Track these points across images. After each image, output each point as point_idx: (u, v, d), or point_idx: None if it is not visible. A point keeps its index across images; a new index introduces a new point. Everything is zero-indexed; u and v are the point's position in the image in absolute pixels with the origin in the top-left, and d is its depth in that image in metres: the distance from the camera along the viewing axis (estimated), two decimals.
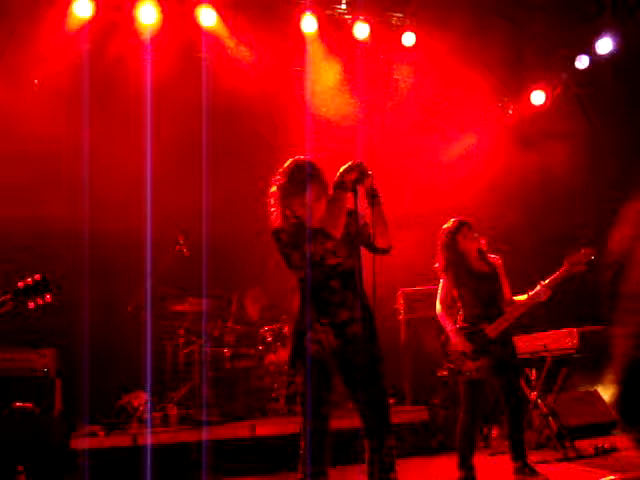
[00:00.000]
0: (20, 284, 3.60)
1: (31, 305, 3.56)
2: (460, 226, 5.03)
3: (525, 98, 8.34)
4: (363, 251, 3.59)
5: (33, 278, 3.62)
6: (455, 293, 5.00)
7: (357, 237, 3.49)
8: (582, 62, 7.94)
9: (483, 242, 5.10)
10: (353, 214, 3.48)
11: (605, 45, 7.73)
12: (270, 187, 3.60)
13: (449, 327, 4.97)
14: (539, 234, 7.98)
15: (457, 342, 4.90)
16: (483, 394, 4.91)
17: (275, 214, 3.58)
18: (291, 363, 3.50)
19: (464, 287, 4.97)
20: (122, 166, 6.98)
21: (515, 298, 4.98)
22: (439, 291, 5.11)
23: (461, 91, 7.77)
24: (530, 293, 4.89)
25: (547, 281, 4.85)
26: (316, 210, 3.50)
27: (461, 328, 4.93)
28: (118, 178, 7.05)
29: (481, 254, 5.03)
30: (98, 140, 6.85)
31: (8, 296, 3.55)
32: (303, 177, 3.49)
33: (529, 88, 8.27)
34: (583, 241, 4.87)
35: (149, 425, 6.05)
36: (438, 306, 5.07)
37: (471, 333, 4.89)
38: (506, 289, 5.04)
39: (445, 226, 5.11)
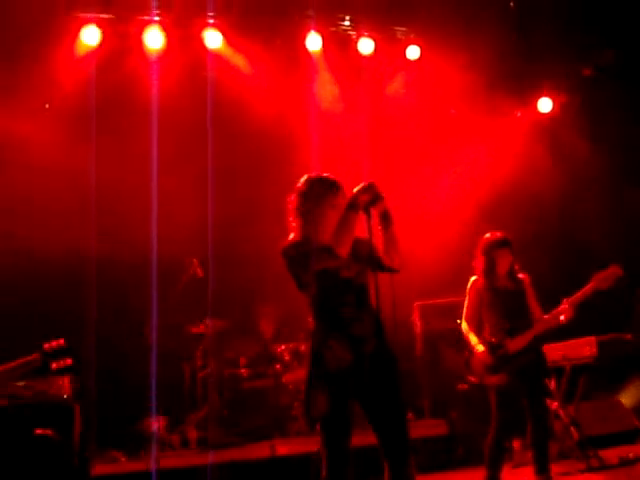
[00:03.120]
0: (46, 346, 3.91)
1: (54, 366, 3.89)
2: (503, 244, 5.03)
3: (533, 106, 8.39)
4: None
5: (57, 342, 3.93)
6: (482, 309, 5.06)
7: (369, 259, 3.52)
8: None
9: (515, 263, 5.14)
10: (365, 240, 3.51)
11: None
12: (288, 204, 3.67)
13: (473, 340, 4.99)
14: (554, 248, 7.98)
15: (479, 354, 4.93)
16: (514, 406, 4.91)
17: (292, 230, 3.63)
18: (309, 381, 3.47)
19: (487, 303, 5.03)
20: (129, 188, 7.02)
21: (545, 317, 5.00)
22: (465, 307, 5.12)
23: (468, 101, 7.81)
24: (553, 311, 4.93)
25: (572, 299, 4.87)
26: (331, 225, 3.52)
27: (484, 342, 4.98)
28: (125, 200, 7.08)
29: (511, 273, 5.06)
30: (105, 163, 6.89)
31: (37, 355, 3.88)
32: (318, 191, 3.55)
33: (536, 96, 8.33)
34: (602, 254, 5.00)
35: (153, 449, 6.08)
36: (464, 323, 5.09)
37: (493, 347, 4.94)
38: (535, 307, 5.06)
39: (488, 236, 5.09)
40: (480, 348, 4.93)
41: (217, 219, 6.92)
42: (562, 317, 4.84)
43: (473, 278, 5.10)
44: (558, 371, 6.34)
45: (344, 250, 3.38)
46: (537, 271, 5.24)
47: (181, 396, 6.80)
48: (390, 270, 3.57)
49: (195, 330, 6.94)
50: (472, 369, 5.05)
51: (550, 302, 5.01)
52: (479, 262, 5.08)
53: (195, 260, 6.83)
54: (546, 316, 4.92)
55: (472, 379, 5.10)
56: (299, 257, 3.45)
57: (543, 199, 8.02)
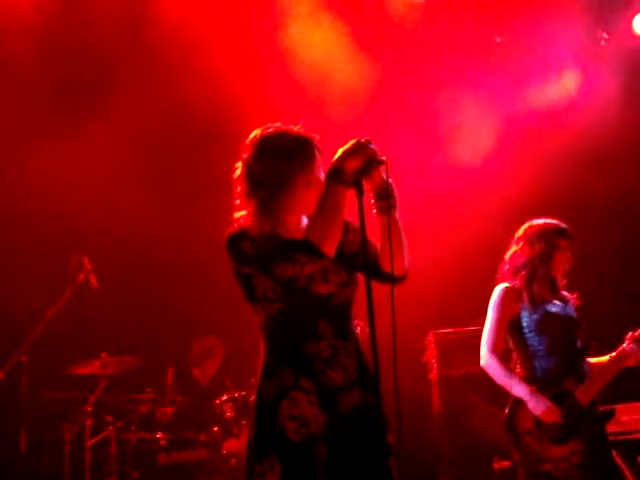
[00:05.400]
0: None
1: None
2: (568, 236, 4.30)
3: (625, 24, 6.64)
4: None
5: None
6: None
7: (356, 258, 3.00)
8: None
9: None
10: (348, 224, 3.01)
11: None
12: (234, 171, 3.07)
13: (520, 387, 4.08)
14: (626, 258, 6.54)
15: (540, 409, 4.01)
16: None
17: (239, 212, 3.06)
18: (256, 453, 2.83)
19: (535, 325, 4.18)
20: None
21: (592, 360, 4.29)
22: (488, 332, 4.24)
23: (522, 21, 6.25)
24: (614, 353, 4.23)
25: (638, 333, 4.23)
26: (304, 206, 3.01)
27: (543, 387, 4.08)
28: None
29: (556, 286, 4.33)
30: None
31: None
32: (280, 160, 2.96)
33: (631, 10, 6.59)
34: None
35: None
36: (489, 356, 4.22)
37: (557, 397, 4.03)
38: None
39: (544, 223, 4.34)
40: (537, 398, 4.07)
41: (126, 200, 5.85)
42: (631, 359, 4.18)
43: (503, 285, 4.27)
44: None
45: (331, 244, 2.85)
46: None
47: (59, 477, 5.41)
48: (386, 278, 3.00)
49: (83, 371, 5.64)
50: (520, 436, 4.10)
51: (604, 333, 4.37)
52: (526, 253, 4.23)
53: (86, 260, 5.46)
54: (610, 357, 4.25)
55: (527, 452, 4.08)
56: (257, 255, 2.90)
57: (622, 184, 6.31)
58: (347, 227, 2.99)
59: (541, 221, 4.30)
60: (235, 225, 3.01)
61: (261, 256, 2.90)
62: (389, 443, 2.88)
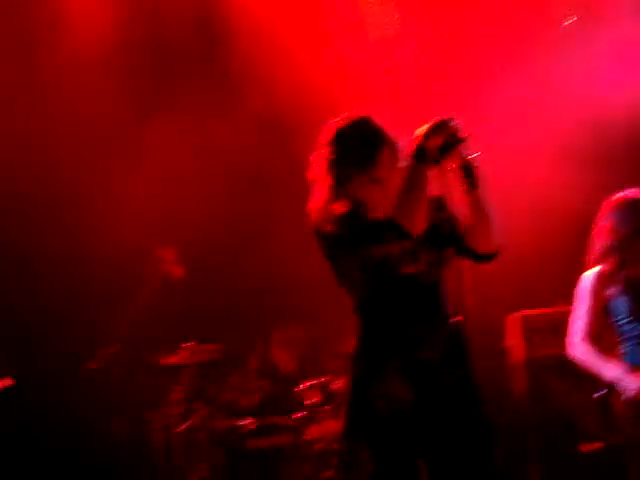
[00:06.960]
0: None
1: None
2: None
3: None
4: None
5: None
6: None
7: (446, 236, 3.03)
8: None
9: None
10: (439, 200, 3.05)
11: None
12: (314, 161, 3.08)
13: (611, 369, 3.89)
14: None
15: (631, 387, 3.82)
16: None
17: (321, 200, 3.04)
18: (348, 432, 2.96)
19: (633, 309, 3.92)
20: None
21: None
22: (582, 318, 4.02)
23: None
24: None
25: None
26: (385, 191, 2.99)
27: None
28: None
29: None
30: None
31: None
32: (365, 140, 3.01)
33: None
34: None
35: None
36: (580, 344, 4.03)
37: None
38: None
39: (631, 195, 4.05)
40: (635, 377, 3.84)
41: (208, 189, 5.80)
42: None
43: (594, 269, 4.04)
44: None
45: (417, 225, 2.85)
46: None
47: (148, 466, 5.47)
48: (476, 256, 3.05)
49: (168, 361, 5.58)
50: (616, 420, 3.93)
51: None
52: (616, 232, 3.96)
53: (171, 251, 5.48)
54: None
55: (627, 436, 3.89)
56: (347, 236, 2.92)
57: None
58: (441, 205, 3.01)
59: (632, 194, 4.04)
60: (314, 210, 3.03)
61: (348, 237, 2.92)
62: (487, 423, 2.88)
